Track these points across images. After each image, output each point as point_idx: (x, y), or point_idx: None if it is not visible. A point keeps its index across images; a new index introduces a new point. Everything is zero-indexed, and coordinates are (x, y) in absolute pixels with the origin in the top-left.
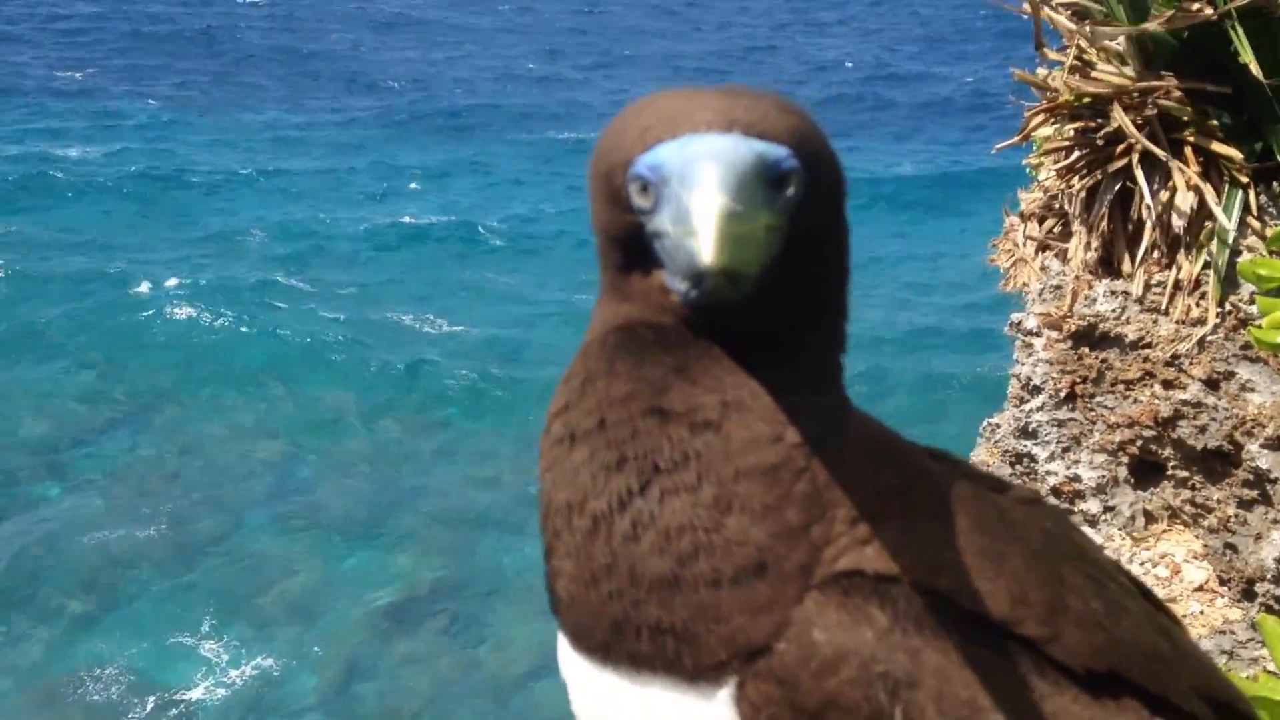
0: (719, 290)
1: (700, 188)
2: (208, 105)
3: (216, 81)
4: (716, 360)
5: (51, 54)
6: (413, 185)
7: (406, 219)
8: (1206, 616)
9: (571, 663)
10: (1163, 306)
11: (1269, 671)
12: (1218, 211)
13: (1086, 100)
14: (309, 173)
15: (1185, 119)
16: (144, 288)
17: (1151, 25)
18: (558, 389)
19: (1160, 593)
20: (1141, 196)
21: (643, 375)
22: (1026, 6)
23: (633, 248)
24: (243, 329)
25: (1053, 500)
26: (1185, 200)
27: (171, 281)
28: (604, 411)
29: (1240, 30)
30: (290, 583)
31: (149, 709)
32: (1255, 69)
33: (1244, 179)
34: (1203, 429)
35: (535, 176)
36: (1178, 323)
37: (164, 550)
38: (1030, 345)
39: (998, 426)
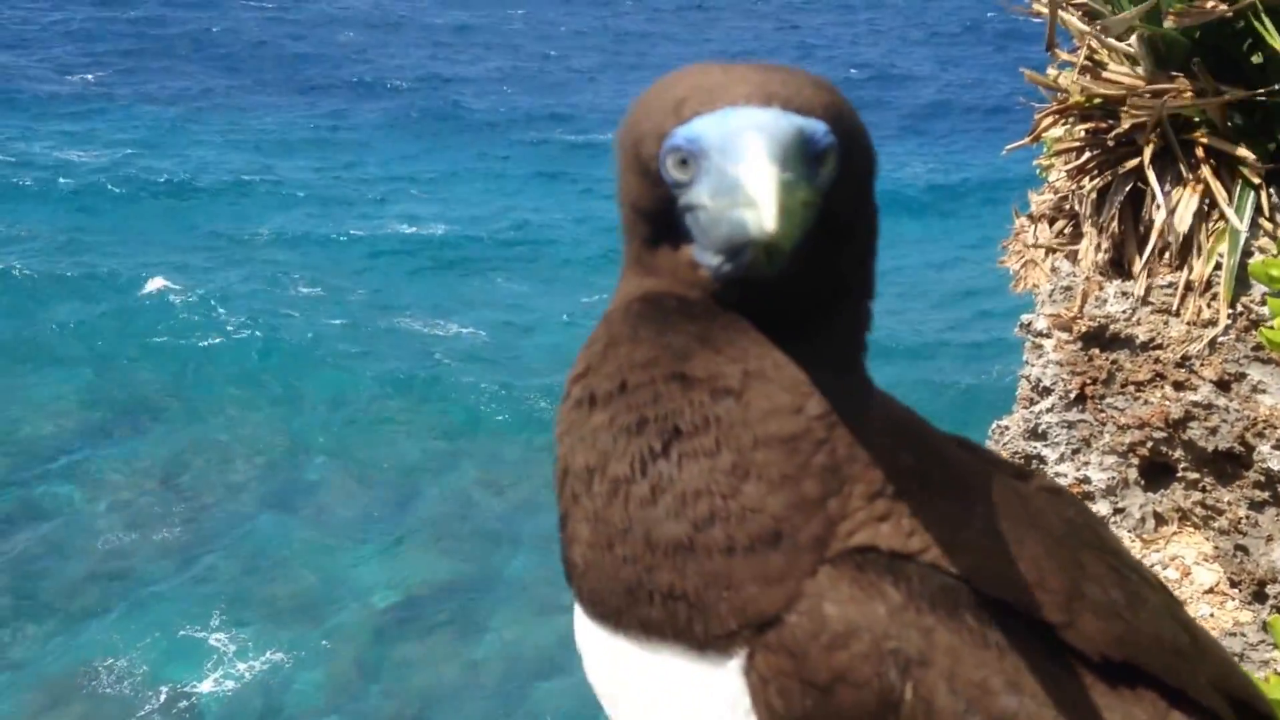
0: (756, 265)
1: (749, 159)
2: (212, 108)
3: (222, 84)
4: (741, 332)
5: (55, 55)
6: (415, 191)
7: (412, 225)
8: (1217, 619)
9: (586, 630)
10: (1173, 308)
11: (1279, 673)
12: (1229, 212)
13: (1098, 101)
14: (316, 176)
15: (1196, 119)
16: (153, 289)
17: (1165, 23)
18: (579, 354)
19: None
20: (1153, 197)
21: (666, 342)
22: (1037, 7)
23: (661, 222)
24: (251, 332)
25: None
26: (1196, 201)
27: (180, 284)
28: (625, 375)
29: (1267, 20)
30: (298, 583)
31: (159, 703)
32: None
33: (1256, 179)
34: (1213, 430)
35: (541, 180)
36: (1189, 324)
37: (173, 550)
38: (1040, 346)
39: (1007, 428)
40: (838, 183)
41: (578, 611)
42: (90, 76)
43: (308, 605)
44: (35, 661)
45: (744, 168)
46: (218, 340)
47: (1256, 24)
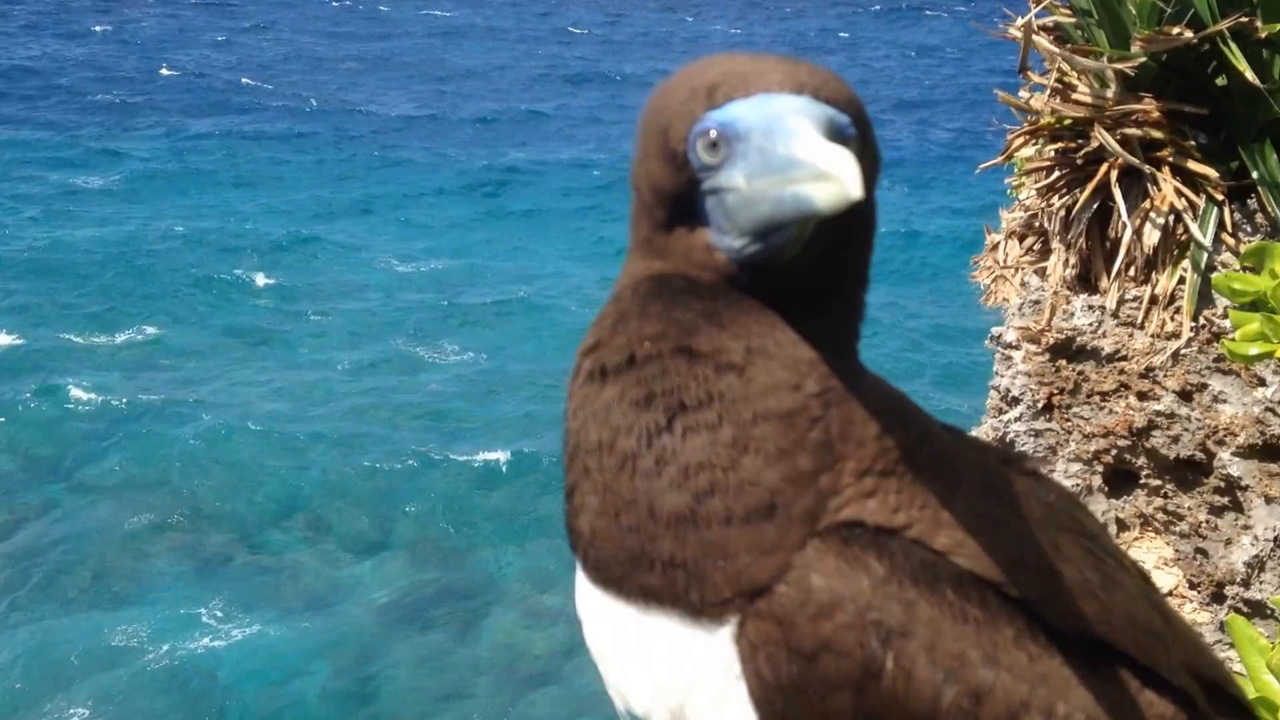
0: (790, 245)
1: (805, 139)
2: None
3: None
4: (746, 311)
5: None
6: (400, 214)
7: (396, 251)
8: None
9: (588, 597)
10: (1138, 321)
11: (1237, 672)
12: (1194, 228)
13: (1067, 122)
14: (299, 193)
15: (1163, 139)
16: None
17: (1132, 49)
18: (590, 328)
19: None
20: (1119, 214)
21: (674, 317)
22: (1013, 32)
23: (680, 205)
24: (251, 335)
25: None
26: (1162, 217)
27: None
28: (634, 348)
29: (1234, 45)
30: (298, 583)
31: (157, 697)
32: (1251, 77)
33: (1219, 196)
34: (1175, 439)
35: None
36: (1153, 336)
37: (175, 549)
38: (1009, 358)
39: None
40: None
41: (580, 577)
42: None
43: (303, 606)
44: (36, 657)
45: (801, 146)
46: (215, 346)
47: (1224, 49)
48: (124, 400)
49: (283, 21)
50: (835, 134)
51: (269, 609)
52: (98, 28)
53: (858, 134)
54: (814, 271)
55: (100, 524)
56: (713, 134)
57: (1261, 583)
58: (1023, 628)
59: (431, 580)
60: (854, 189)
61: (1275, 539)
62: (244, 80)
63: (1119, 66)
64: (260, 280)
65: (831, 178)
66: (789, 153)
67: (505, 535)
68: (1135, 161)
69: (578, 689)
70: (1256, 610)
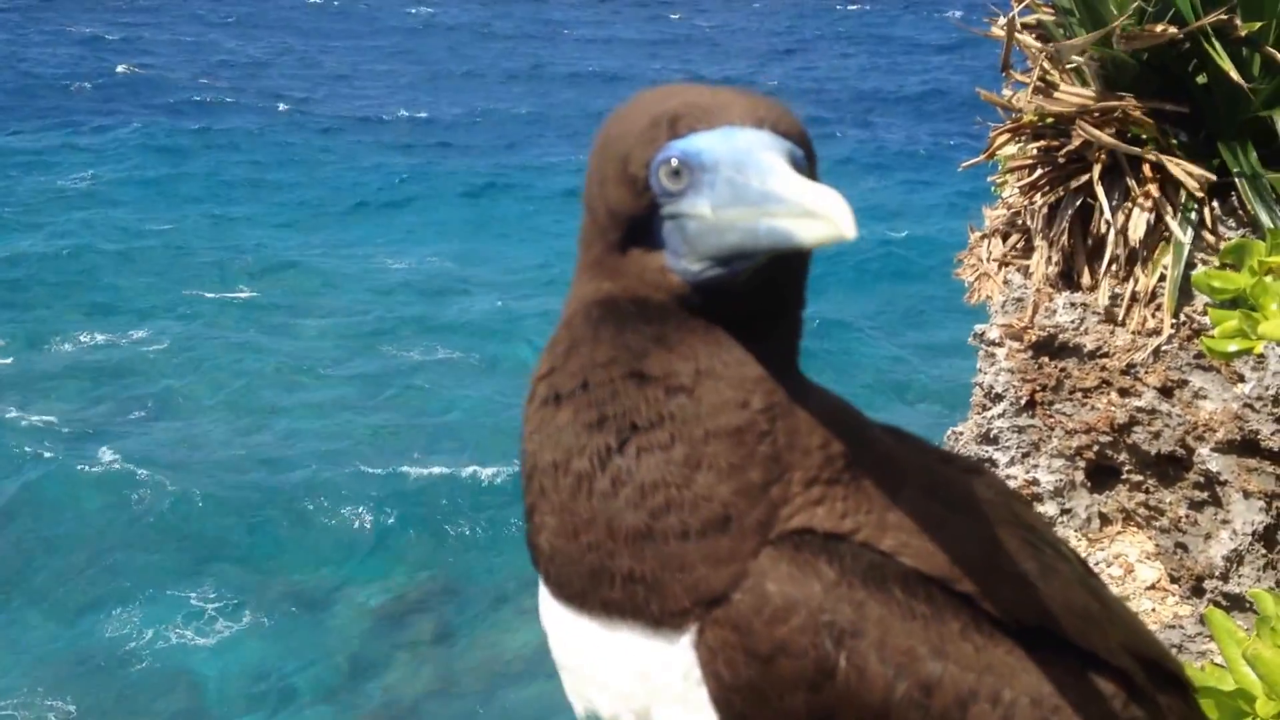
0: (741, 272)
1: (781, 175)
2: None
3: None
4: (693, 333)
5: None
6: (410, 217)
7: (381, 252)
8: (1158, 613)
9: (551, 611)
10: (1120, 318)
11: (1216, 664)
12: (1174, 226)
13: (1049, 120)
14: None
15: (1144, 137)
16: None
17: (1114, 44)
18: (542, 355)
19: (1114, 591)
20: (1101, 212)
21: (625, 342)
22: (995, 30)
23: (635, 228)
24: (230, 337)
25: None
26: (1143, 215)
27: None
28: (587, 374)
29: (1217, 43)
30: (281, 583)
31: (148, 692)
32: (1235, 76)
33: (1200, 194)
34: (1156, 434)
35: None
36: (1134, 333)
37: (168, 544)
38: (993, 355)
39: (960, 434)
40: None
41: (543, 593)
42: None
43: (298, 605)
44: (30, 652)
45: (780, 182)
46: (207, 349)
47: (1207, 46)
48: (101, 402)
49: (255, 18)
50: (794, 166)
51: (253, 610)
52: (71, 28)
53: (807, 163)
54: (759, 295)
55: (82, 524)
56: (674, 162)
57: (1240, 576)
58: (968, 620)
59: (417, 582)
60: (848, 230)
61: (1254, 533)
62: (203, 80)
63: (1110, 52)
64: (240, 282)
65: (821, 217)
66: (765, 187)
67: (487, 535)
68: (1123, 146)
69: (557, 687)
70: (1235, 603)
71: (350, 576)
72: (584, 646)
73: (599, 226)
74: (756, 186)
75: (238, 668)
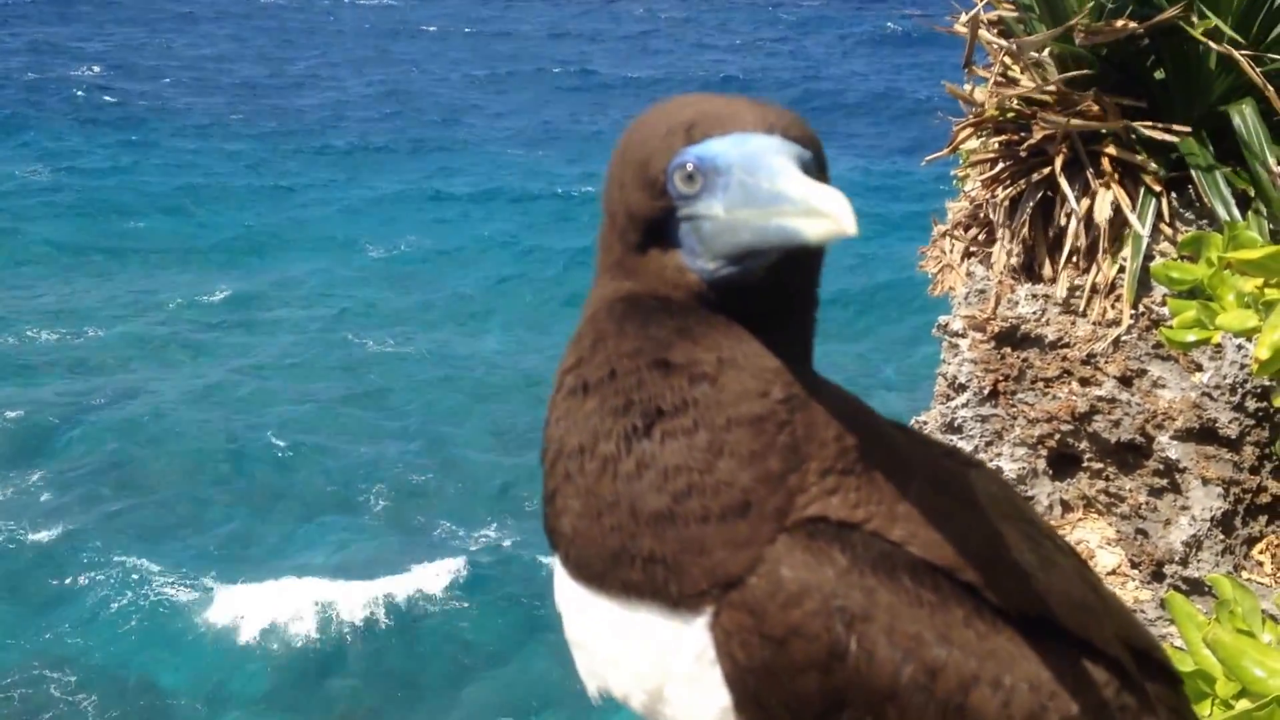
0: (755, 270)
1: (791, 176)
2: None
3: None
4: (715, 326)
5: None
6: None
7: (351, 248)
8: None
9: (569, 592)
10: (1080, 309)
11: (1176, 646)
12: (1133, 218)
13: (1010, 114)
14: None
15: (1104, 131)
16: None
17: (1075, 39)
18: (568, 348)
19: None
20: (1062, 204)
21: (649, 334)
22: (958, 27)
23: (654, 230)
24: (201, 336)
25: None
26: (1103, 207)
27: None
28: (614, 364)
29: (1196, 24)
30: (249, 566)
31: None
32: (1227, 37)
33: (1157, 188)
34: (1116, 423)
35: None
36: (1094, 324)
37: (131, 539)
38: (956, 346)
39: (925, 423)
40: None
41: (559, 575)
42: None
43: (290, 606)
44: (21, 648)
45: (788, 183)
46: (196, 350)
47: (1185, 26)
48: (79, 398)
49: (213, 18)
50: (803, 169)
51: (222, 593)
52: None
53: (817, 167)
54: (776, 291)
55: (57, 516)
56: (690, 166)
57: (1199, 561)
58: (971, 609)
59: (392, 563)
60: (850, 227)
61: (1212, 519)
62: (166, 80)
63: (1070, 47)
64: (212, 283)
65: (825, 215)
66: (774, 188)
67: (463, 523)
68: (1087, 124)
69: (533, 675)
70: (1195, 588)
71: (316, 561)
72: (601, 626)
73: (619, 229)
74: (766, 188)
75: (201, 652)
